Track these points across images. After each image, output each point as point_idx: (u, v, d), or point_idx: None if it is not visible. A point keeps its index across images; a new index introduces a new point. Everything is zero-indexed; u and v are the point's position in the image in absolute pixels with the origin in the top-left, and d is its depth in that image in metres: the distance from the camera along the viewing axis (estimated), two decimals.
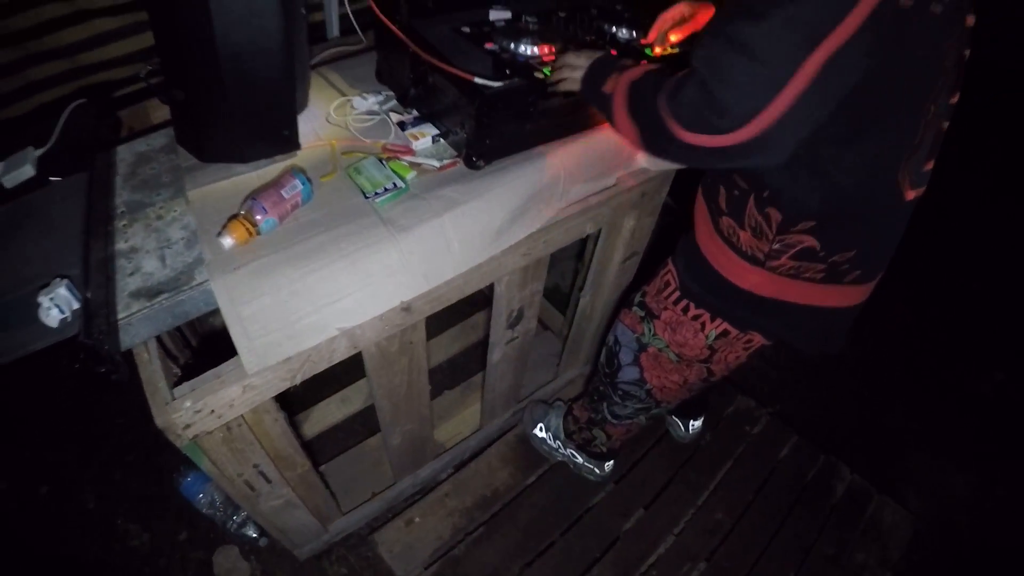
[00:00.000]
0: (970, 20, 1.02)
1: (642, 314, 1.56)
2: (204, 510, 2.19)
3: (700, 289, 1.40)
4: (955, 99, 1.11)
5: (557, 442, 2.23)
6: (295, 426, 2.26)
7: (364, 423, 2.45)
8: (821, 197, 1.11)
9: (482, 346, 2.14)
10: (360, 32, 1.87)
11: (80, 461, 2.46)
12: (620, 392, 1.72)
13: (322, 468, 2.21)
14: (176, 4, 1.20)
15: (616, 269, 1.91)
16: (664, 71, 1.13)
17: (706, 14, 1.44)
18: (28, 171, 1.38)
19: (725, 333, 1.40)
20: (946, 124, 1.13)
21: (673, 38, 1.47)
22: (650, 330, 1.53)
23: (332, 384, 2.47)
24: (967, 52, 1.06)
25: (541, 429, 2.26)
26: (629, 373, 1.65)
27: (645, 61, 1.28)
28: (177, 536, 2.26)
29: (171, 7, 1.21)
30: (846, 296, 1.27)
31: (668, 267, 1.49)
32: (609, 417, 1.85)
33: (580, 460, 2.19)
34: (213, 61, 1.23)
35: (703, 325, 1.41)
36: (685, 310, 1.43)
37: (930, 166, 1.16)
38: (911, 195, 1.15)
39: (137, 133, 1.74)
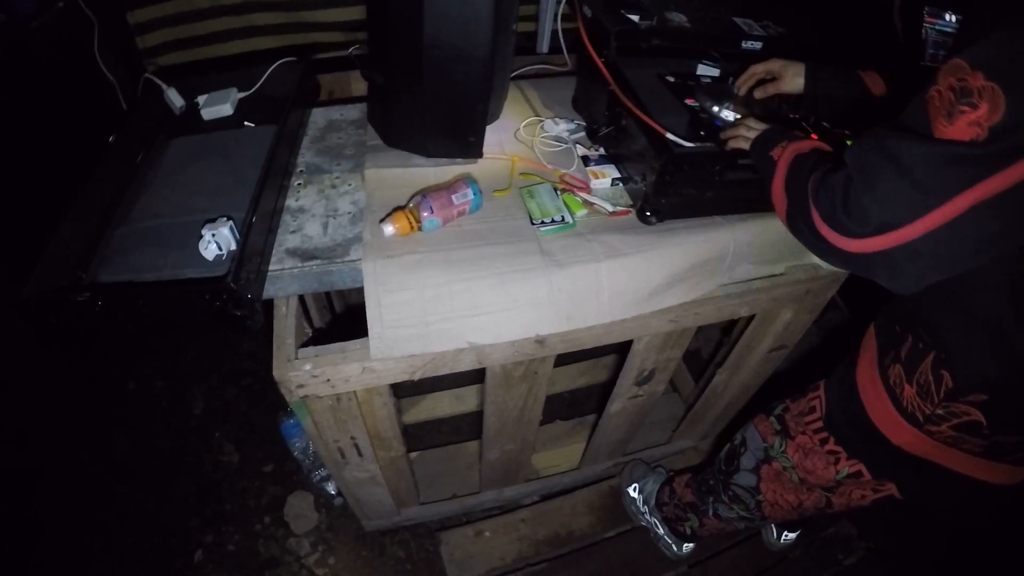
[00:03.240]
0: None
1: (778, 427, 1.47)
2: (295, 453, 2.28)
3: (847, 429, 1.30)
4: None
5: (646, 507, 2.16)
6: (401, 408, 2.31)
7: (470, 425, 2.47)
8: (1000, 370, 1.00)
9: (607, 388, 2.10)
10: (566, 54, 1.87)
11: (201, 372, 2.65)
12: (730, 493, 1.64)
13: (414, 455, 2.24)
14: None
15: (760, 357, 1.82)
16: (831, 154, 1.08)
17: (795, 75, 1.39)
18: (226, 109, 1.48)
19: (858, 474, 1.30)
20: None
21: (758, 94, 1.42)
22: (780, 446, 1.45)
23: (451, 377, 2.48)
24: None
25: (635, 489, 2.20)
26: (746, 479, 1.57)
27: (816, 137, 1.26)
28: (263, 467, 2.38)
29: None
30: (1005, 474, 1.15)
31: (818, 393, 1.40)
32: (710, 512, 1.77)
33: (661, 532, 2.11)
34: (416, 56, 1.27)
35: (837, 460, 1.32)
36: (823, 442, 1.34)
37: None
38: None
39: (335, 100, 1.81)
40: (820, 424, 1.36)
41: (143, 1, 1.90)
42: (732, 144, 1.28)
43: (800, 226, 1.04)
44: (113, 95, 1.97)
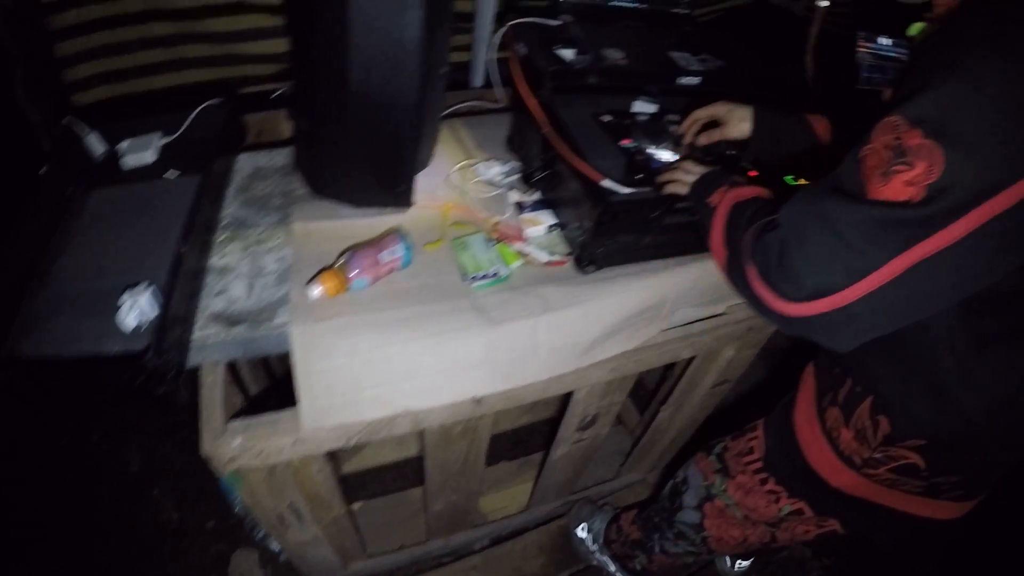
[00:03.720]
0: None
1: (718, 466, 1.46)
2: (237, 508, 2.17)
3: (786, 470, 1.30)
4: None
5: (595, 546, 2.13)
6: (341, 458, 2.25)
7: (415, 470, 2.38)
8: (939, 417, 1.00)
9: (552, 424, 2.06)
10: (500, 88, 1.82)
11: (136, 424, 2.51)
12: (675, 530, 1.62)
13: (358, 506, 2.19)
14: (317, 41, 1.18)
15: (704, 392, 1.81)
16: (770, 202, 1.06)
17: (740, 120, 1.35)
18: (148, 157, 1.38)
19: (800, 512, 1.29)
20: None
21: (702, 140, 1.38)
22: (722, 484, 1.44)
23: None
24: None
25: (584, 529, 2.17)
26: (689, 516, 1.56)
27: (755, 173, 1.28)
28: (205, 524, 2.27)
29: (312, 42, 1.20)
30: (946, 510, 1.15)
31: (757, 433, 1.39)
32: (657, 549, 1.75)
33: (612, 569, 2.09)
34: (342, 103, 1.21)
35: (778, 499, 1.31)
36: (763, 481, 1.33)
37: None
38: None
39: (263, 143, 1.75)
40: (759, 464, 1.35)
41: (70, 32, 1.81)
42: (669, 188, 1.25)
43: (738, 282, 1.01)
44: (35, 134, 1.88)
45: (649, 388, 2.42)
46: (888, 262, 0.79)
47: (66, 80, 1.87)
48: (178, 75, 1.99)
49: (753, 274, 0.94)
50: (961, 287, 0.83)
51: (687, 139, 1.40)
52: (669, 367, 2.15)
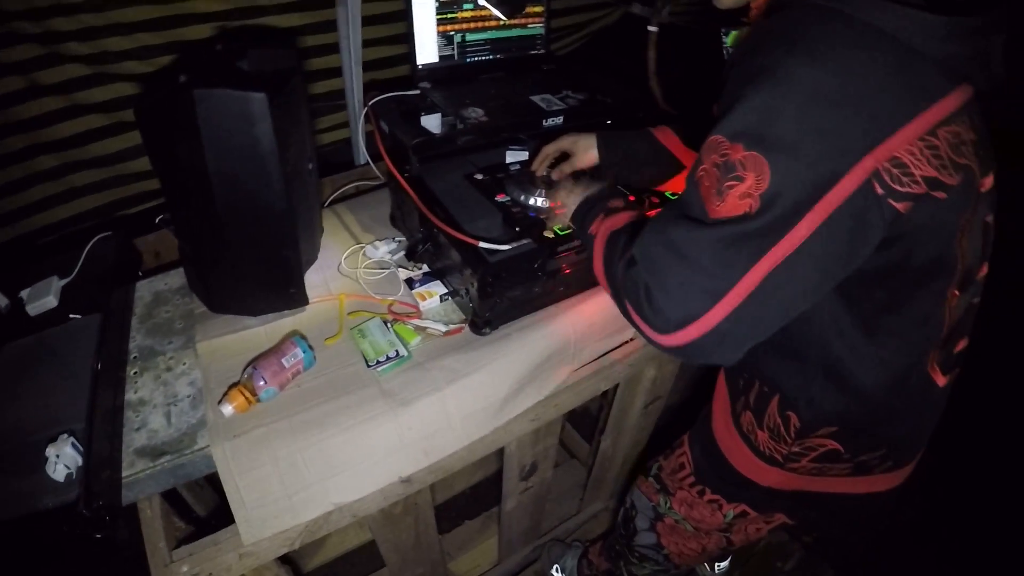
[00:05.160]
0: (988, 182, 0.94)
1: (658, 487, 1.50)
2: None
3: (717, 480, 1.33)
4: (983, 272, 1.02)
5: None
6: (305, 557, 2.23)
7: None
8: (843, 401, 1.03)
9: None
10: (372, 166, 1.86)
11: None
12: (637, 554, 1.65)
13: None
14: (177, 169, 1.21)
15: (638, 414, 1.84)
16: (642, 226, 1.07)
17: (587, 149, 1.42)
18: (51, 302, 1.39)
19: (744, 514, 1.33)
20: (977, 299, 1.04)
21: (555, 175, 1.43)
22: (666, 503, 1.47)
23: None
24: (990, 218, 0.98)
25: (557, 569, 2.18)
26: (646, 538, 1.59)
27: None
28: None
29: (173, 170, 1.23)
30: (883, 482, 1.18)
31: (684, 448, 1.43)
32: (626, 574, 1.78)
33: None
34: (215, 224, 1.25)
35: (720, 506, 1.34)
36: (701, 493, 1.37)
37: (963, 345, 1.06)
38: (943, 381, 1.05)
39: (161, 265, 1.75)
40: (693, 479, 1.39)
41: None
42: (551, 223, 1.29)
43: (624, 314, 1.01)
44: None
45: (593, 414, 2.44)
46: (742, 278, 0.81)
47: None
48: (71, 205, 1.98)
49: (629, 309, 0.96)
50: (826, 279, 0.86)
51: (540, 173, 1.45)
52: (604, 394, 2.17)
